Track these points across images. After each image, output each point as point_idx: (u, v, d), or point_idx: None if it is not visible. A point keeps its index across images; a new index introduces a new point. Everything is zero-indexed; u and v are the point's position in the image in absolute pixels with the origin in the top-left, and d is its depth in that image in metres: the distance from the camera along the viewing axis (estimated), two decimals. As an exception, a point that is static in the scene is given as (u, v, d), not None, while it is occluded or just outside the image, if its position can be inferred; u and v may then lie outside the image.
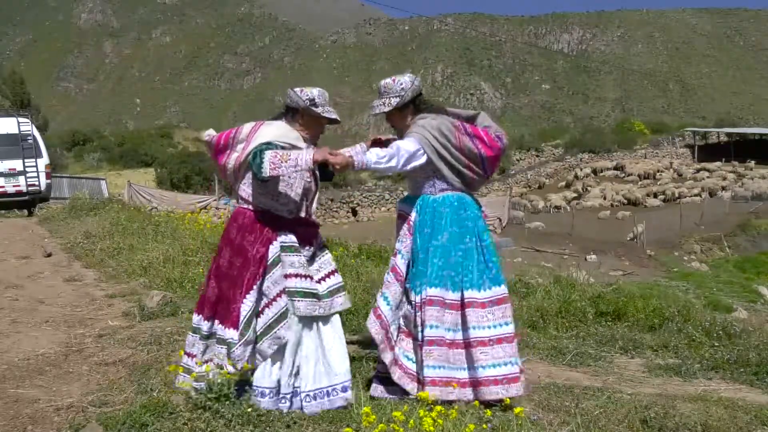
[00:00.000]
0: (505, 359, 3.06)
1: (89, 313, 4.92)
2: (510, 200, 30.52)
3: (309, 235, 3.11)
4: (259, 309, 2.93)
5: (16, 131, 13.95)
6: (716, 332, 5.04)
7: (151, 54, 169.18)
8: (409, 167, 3.12)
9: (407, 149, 3.10)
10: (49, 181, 14.57)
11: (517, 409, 2.69)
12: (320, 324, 3.03)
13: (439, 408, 2.55)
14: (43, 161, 14.28)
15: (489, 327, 3.09)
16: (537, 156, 47.23)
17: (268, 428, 2.68)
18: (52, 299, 5.36)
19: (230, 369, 2.81)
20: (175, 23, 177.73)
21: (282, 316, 2.91)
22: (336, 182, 33.72)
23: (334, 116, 3.12)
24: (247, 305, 2.88)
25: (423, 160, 3.14)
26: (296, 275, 2.97)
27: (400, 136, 3.26)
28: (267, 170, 2.82)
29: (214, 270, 3.06)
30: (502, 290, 3.16)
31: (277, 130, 3.03)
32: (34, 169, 13.96)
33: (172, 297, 5.07)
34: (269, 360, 2.91)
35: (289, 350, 2.94)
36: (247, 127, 3.07)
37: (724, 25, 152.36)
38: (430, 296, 3.09)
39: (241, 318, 2.88)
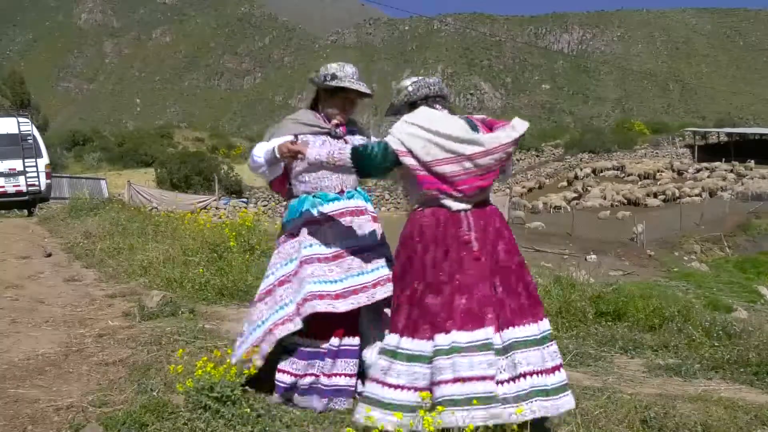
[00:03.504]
0: None
1: (89, 313, 4.92)
2: (510, 200, 30.54)
3: None
4: None
5: (16, 131, 13.95)
6: (716, 332, 5.03)
7: (151, 54, 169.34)
8: None
9: None
10: (49, 181, 14.56)
11: (518, 410, 2.69)
12: None
13: (440, 408, 2.55)
14: (43, 161, 14.27)
15: None
16: (537, 156, 47.20)
17: (268, 428, 2.68)
18: (52, 299, 5.36)
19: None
20: (175, 23, 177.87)
21: None
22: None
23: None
24: None
25: None
26: None
27: None
28: None
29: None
30: None
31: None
32: (34, 169, 13.95)
33: (172, 297, 5.06)
34: None
35: None
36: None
37: (724, 25, 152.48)
38: None
39: None
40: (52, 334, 4.26)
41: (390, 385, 2.58)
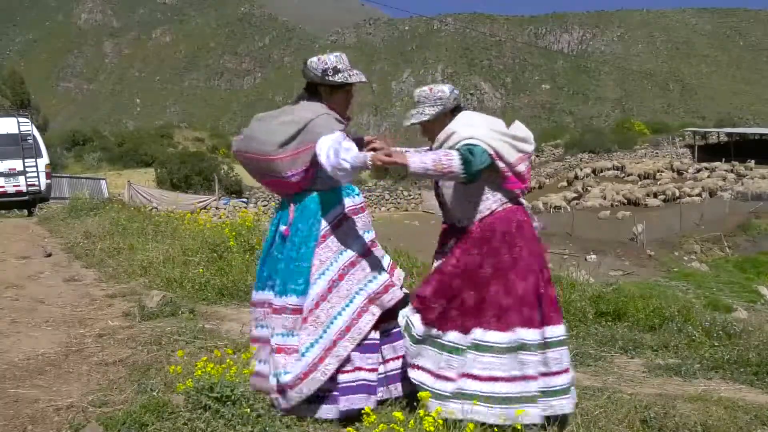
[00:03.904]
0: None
1: (89, 313, 4.92)
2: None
3: None
4: None
5: (16, 131, 13.95)
6: (716, 332, 5.03)
7: (151, 54, 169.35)
8: None
9: None
10: (49, 181, 14.56)
11: (518, 411, 2.69)
12: None
13: (439, 408, 2.55)
14: (43, 161, 14.28)
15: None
16: (537, 156, 47.17)
17: (268, 428, 2.68)
18: (52, 299, 5.36)
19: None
20: (175, 23, 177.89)
21: None
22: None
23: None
24: None
25: None
26: None
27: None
28: None
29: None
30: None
31: None
32: (34, 169, 13.96)
33: (172, 297, 5.06)
34: None
35: None
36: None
37: (724, 25, 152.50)
38: None
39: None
40: (52, 334, 4.26)
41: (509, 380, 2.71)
